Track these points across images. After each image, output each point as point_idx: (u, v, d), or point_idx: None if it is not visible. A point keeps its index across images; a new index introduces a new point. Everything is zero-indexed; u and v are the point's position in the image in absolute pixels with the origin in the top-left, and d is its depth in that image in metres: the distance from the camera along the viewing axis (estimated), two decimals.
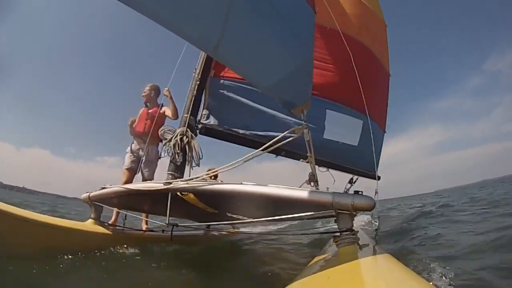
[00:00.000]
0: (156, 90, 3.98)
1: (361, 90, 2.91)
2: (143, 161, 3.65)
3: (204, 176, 2.27)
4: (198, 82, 3.05)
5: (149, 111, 3.80)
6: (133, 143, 3.78)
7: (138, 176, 3.72)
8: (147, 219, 3.73)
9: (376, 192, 2.01)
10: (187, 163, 2.63)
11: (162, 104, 3.88)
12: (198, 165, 2.61)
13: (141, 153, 3.70)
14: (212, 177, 2.33)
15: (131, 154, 3.72)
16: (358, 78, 2.88)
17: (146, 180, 3.62)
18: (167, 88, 3.61)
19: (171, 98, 3.59)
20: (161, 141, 3.74)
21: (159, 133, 2.79)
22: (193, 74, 3.17)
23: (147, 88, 3.95)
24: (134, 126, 3.74)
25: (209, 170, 2.62)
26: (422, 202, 14.77)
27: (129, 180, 3.61)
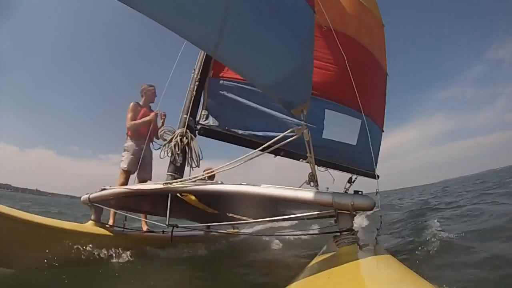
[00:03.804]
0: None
1: (356, 89, 2.93)
2: (142, 162, 3.64)
3: (200, 177, 2.27)
4: (197, 83, 3.04)
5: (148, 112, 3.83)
6: (132, 143, 3.75)
7: (133, 176, 3.72)
8: (146, 220, 3.73)
9: (376, 192, 2.01)
10: (186, 164, 2.63)
11: (150, 106, 4.00)
12: (198, 166, 2.61)
13: (140, 153, 3.68)
14: (207, 178, 2.33)
15: (132, 156, 3.68)
16: (352, 78, 2.90)
17: (144, 181, 3.62)
18: (164, 113, 3.74)
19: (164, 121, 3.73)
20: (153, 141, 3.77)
21: (159, 134, 2.79)
22: (192, 74, 3.16)
23: (153, 88, 4.01)
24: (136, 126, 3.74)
25: (206, 170, 2.62)
26: None
27: (127, 181, 3.61)
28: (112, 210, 3.39)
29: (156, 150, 3.87)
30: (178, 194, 2.34)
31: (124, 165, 3.64)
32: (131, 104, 3.85)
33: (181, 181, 2.30)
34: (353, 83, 2.98)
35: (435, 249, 2.63)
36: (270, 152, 2.34)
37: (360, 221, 6.06)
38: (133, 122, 3.72)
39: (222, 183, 2.10)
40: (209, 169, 2.64)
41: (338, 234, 1.68)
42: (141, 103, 3.95)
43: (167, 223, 2.49)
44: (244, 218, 2.83)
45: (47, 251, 2.27)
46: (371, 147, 2.84)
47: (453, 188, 16.77)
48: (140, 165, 3.65)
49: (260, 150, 2.09)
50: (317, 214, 1.82)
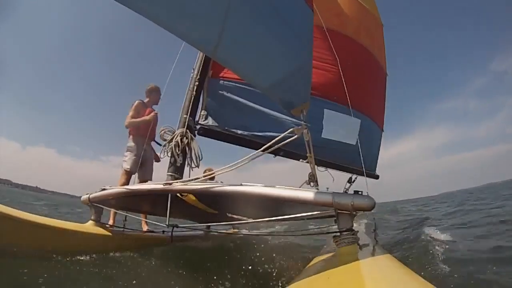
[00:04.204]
0: None
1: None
2: (142, 162, 3.64)
3: (202, 178, 2.28)
4: (197, 83, 3.04)
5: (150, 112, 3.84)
6: (135, 144, 3.73)
7: (133, 177, 3.72)
8: (146, 220, 3.73)
9: (366, 193, 2.01)
10: (186, 164, 2.63)
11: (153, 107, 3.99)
12: (197, 166, 2.61)
13: (142, 153, 3.68)
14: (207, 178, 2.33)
15: (135, 157, 3.65)
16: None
17: (145, 181, 3.61)
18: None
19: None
20: (153, 140, 3.79)
21: (160, 133, 2.78)
22: (191, 74, 3.16)
23: (159, 90, 4.00)
24: (134, 124, 3.72)
25: (206, 170, 2.63)
26: None
27: (128, 181, 3.60)
28: (112, 210, 3.39)
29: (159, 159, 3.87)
30: (178, 194, 2.34)
31: (127, 166, 3.62)
32: (136, 102, 3.80)
33: (181, 181, 2.30)
34: (346, 82, 2.99)
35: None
36: (270, 152, 2.34)
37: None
38: (132, 120, 3.68)
39: (222, 183, 2.11)
40: (210, 170, 2.64)
41: (338, 234, 1.68)
42: (145, 101, 3.93)
43: (167, 223, 2.49)
44: (244, 218, 2.83)
45: (47, 250, 2.28)
46: (359, 146, 2.84)
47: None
48: (141, 165, 3.65)
49: (261, 151, 2.09)
50: (317, 214, 1.82)
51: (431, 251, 2.79)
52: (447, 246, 3.00)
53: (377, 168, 4.38)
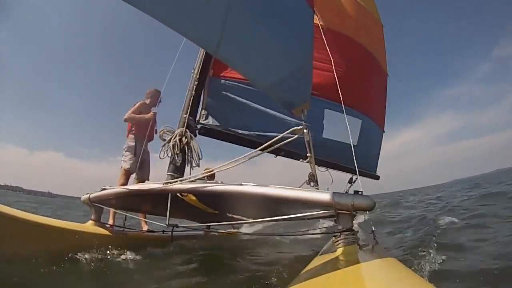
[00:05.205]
0: None
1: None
2: (141, 162, 3.66)
3: (200, 176, 2.27)
4: (196, 82, 3.05)
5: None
6: (134, 144, 3.76)
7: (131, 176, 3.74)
8: (146, 220, 3.74)
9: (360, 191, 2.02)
10: (187, 163, 2.63)
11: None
12: (198, 165, 2.61)
13: (141, 154, 3.70)
14: (206, 177, 2.33)
15: (133, 156, 3.70)
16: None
17: (143, 181, 3.62)
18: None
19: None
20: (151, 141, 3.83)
21: (159, 134, 2.79)
22: (192, 74, 3.17)
23: (159, 93, 4.03)
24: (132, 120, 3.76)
25: (206, 169, 2.63)
26: None
27: (127, 181, 3.62)
28: (112, 210, 3.39)
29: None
30: (178, 194, 2.34)
31: (127, 165, 3.65)
32: (140, 102, 3.90)
33: (181, 181, 2.30)
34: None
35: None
36: (271, 152, 2.34)
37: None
38: (132, 115, 3.75)
39: (222, 183, 2.10)
40: (208, 169, 2.65)
41: (338, 234, 1.67)
42: (147, 103, 3.99)
43: (167, 223, 2.49)
44: (244, 218, 2.83)
45: (47, 250, 2.28)
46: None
47: None
48: (139, 166, 3.67)
49: (260, 150, 2.09)
50: (317, 214, 1.82)
51: None
52: None
53: (381, 163, 4.39)
